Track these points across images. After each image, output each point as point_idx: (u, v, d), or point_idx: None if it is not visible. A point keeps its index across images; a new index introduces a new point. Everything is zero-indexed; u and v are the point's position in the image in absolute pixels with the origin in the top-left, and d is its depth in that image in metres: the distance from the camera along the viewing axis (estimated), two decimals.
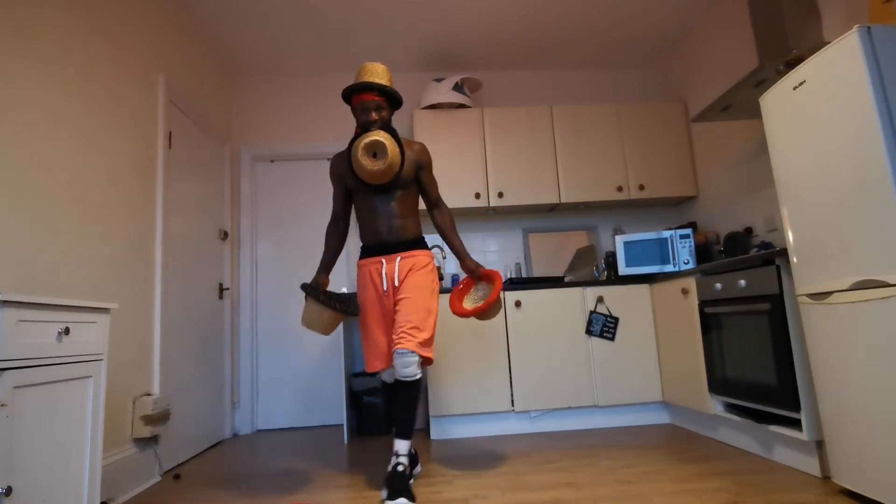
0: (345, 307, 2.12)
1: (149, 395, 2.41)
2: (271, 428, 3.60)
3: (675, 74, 3.92)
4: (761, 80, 2.39)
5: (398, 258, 2.16)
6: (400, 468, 1.98)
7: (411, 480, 2.07)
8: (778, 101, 2.01)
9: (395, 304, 2.12)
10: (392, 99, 2.16)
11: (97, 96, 2.19)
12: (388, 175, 2.08)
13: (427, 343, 2.06)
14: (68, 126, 2.00)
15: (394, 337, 2.06)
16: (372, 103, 2.10)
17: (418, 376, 2.05)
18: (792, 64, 2.24)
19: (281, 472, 2.47)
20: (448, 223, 2.32)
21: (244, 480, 2.37)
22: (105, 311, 1.58)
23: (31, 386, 1.27)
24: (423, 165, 2.25)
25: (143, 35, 2.59)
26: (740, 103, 2.63)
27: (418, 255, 2.19)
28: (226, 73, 3.77)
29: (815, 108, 1.82)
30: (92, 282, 2.09)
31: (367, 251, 2.24)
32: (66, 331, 1.38)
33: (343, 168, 2.21)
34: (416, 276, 2.13)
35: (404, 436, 2.06)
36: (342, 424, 3.57)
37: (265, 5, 3.09)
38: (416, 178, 2.24)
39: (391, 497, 1.88)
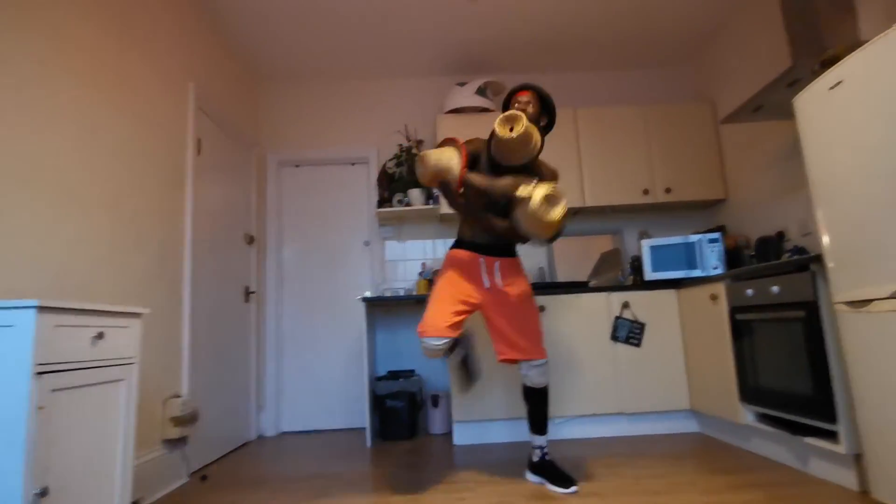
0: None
1: (178, 396, 2.46)
2: (295, 430, 3.64)
3: (703, 75, 3.84)
4: (795, 80, 2.32)
5: (496, 262, 2.24)
6: (548, 457, 2.23)
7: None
8: (813, 102, 1.95)
9: (502, 307, 2.21)
10: (544, 103, 2.24)
11: (130, 105, 2.25)
12: (525, 147, 2.07)
13: None
14: (103, 134, 2.06)
15: (524, 343, 2.19)
16: (523, 98, 2.19)
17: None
18: (827, 63, 2.17)
19: (306, 475, 2.49)
20: None
21: (270, 482, 2.40)
22: (137, 315, 1.62)
23: (67, 389, 1.31)
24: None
25: (174, 45, 2.66)
26: (772, 104, 2.56)
27: (517, 262, 2.31)
28: (252, 79, 3.84)
29: (852, 109, 1.76)
30: (124, 287, 2.14)
31: (467, 245, 2.28)
32: (101, 335, 1.42)
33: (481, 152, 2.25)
34: (521, 284, 2.25)
35: (543, 432, 2.24)
36: (365, 428, 3.59)
37: (291, 13, 3.14)
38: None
39: (565, 485, 2.09)
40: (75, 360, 1.33)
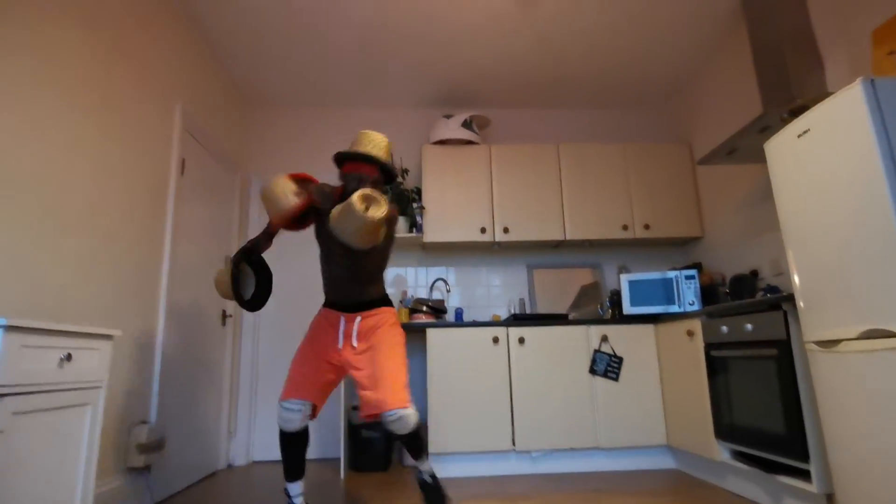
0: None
1: (145, 422, 2.38)
2: (267, 459, 3.53)
3: (680, 117, 3.98)
4: (766, 127, 2.42)
5: (357, 318, 2.12)
6: (426, 478, 2.09)
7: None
8: (782, 148, 2.03)
9: (358, 362, 2.06)
10: (388, 177, 2.14)
11: (116, 123, 2.25)
12: (378, 232, 1.90)
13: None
14: (86, 151, 2.04)
15: (376, 395, 1.96)
16: (370, 178, 2.04)
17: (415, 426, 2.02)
18: (796, 112, 2.28)
19: None
20: None
21: None
22: (108, 337, 1.58)
23: (29, 413, 1.26)
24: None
25: (163, 66, 2.67)
26: (745, 148, 2.66)
27: (381, 313, 2.15)
28: (239, 103, 3.86)
29: (819, 157, 1.84)
30: (97, 305, 2.09)
31: (328, 304, 2.20)
32: (69, 357, 1.38)
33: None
34: (381, 335, 2.09)
35: (424, 458, 2.11)
36: (339, 458, 3.50)
37: (281, 41, 3.19)
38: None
39: None
40: (40, 382, 1.29)
